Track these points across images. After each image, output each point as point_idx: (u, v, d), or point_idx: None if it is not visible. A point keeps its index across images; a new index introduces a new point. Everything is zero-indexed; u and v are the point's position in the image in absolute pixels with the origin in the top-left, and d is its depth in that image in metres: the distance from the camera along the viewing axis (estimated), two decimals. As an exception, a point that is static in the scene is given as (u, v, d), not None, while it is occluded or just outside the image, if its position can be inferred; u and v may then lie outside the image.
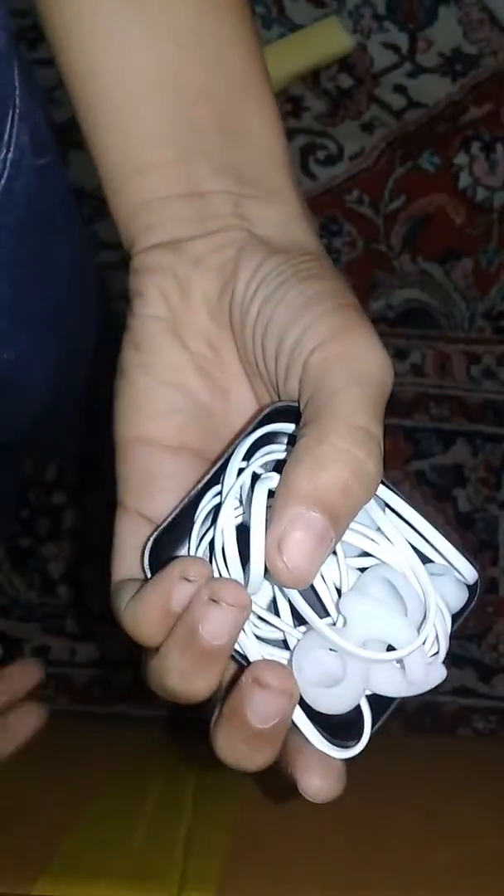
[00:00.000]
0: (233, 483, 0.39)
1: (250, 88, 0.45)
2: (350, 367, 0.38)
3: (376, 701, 0.41)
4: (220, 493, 0.40)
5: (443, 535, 0.41)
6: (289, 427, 0.40)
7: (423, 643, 0.39)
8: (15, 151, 0.47)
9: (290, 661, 0.39)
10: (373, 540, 0.40)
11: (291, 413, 0.40)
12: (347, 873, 0.71)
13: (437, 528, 0.41)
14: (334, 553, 0.39)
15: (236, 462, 0.40)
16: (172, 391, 0.43)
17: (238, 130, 0.44)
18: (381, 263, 1.38)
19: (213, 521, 0.40)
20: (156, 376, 0.43)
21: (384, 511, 0.41)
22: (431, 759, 1.05)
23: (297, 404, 0.39)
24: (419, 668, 0.39)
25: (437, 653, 0.40)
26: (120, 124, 0.43)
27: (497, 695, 1.25)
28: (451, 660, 1.26)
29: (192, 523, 0.41)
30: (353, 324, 0.40)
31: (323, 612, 0.39)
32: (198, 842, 0.73)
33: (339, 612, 0.39)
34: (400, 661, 0.39)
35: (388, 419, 1.32)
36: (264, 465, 0.40)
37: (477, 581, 0.41)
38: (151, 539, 0.41)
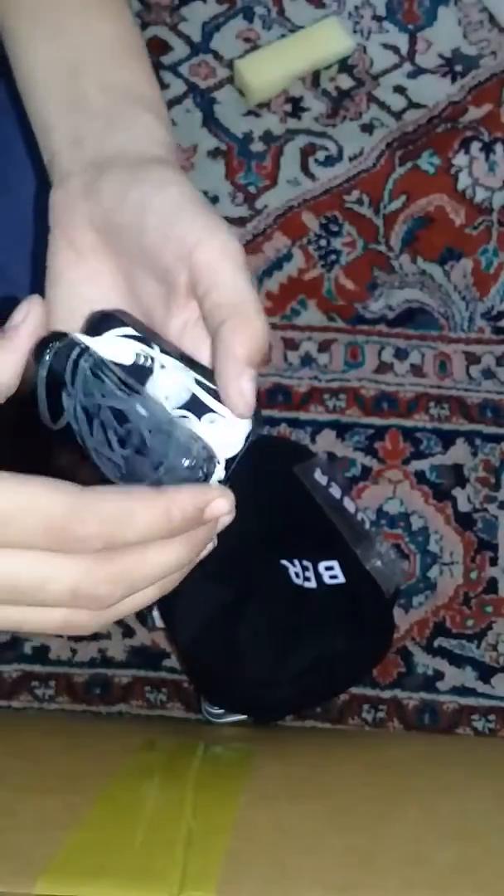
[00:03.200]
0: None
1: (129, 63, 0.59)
2: (232, 258, 0.48)
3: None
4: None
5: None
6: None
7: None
8: None
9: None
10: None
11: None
12: (347, 873, 0.71)
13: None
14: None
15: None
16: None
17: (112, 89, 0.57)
18: (380, 263, 1.39)
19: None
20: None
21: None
22: (431, 758, 1.05)
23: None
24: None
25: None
26: (36, 106, 0.57)
27: (497, 694, 1.25)
28: (451, 659, 1.26)
29: None
30: (217, 221, 0.49)
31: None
32: (198, 841, 0.73)
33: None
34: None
35: (388, 419, 1.31)
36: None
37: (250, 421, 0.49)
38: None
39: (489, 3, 1.49)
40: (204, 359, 0.50)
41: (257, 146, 1.43)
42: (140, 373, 0.49)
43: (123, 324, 0.50)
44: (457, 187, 1.42)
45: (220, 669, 1.08)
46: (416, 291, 1.38)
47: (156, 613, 1.15)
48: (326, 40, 1.45)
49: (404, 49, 1.48)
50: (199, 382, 0.48)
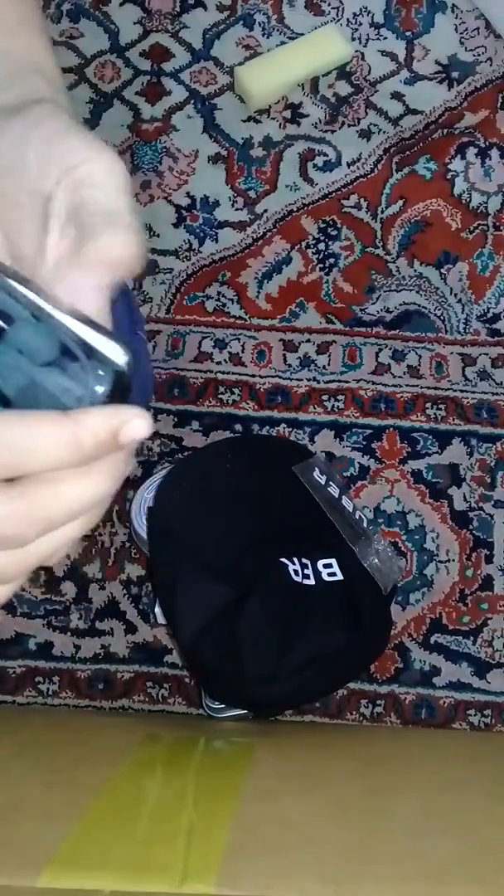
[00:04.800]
0: None
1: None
2: (115, 176, 0.47)
3: None
4: None
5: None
6: None
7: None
8: None
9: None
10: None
11: None
12: (346, 865, 0.72)
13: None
14: None
15: None
16: None
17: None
18: (378, 267, 1.40)
19: None
20: None
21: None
22: (428, 752, 1.06)
23: None
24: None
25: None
26: None
27: (492, 689, 1.26)
28: (447, 655, 1.27)
29: None
30: (101, 143, 0.48)
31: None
32: (199, 834, 0.74)
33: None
34: None
35: (386, 419, 1.32)
36: None
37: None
38: None
39: (486, 11, 1.50)
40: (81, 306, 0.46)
41: (257, 151, 1.45)
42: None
43: None
44: (453, 192, 1.43)
45: (220, 665, 1.08)
46: (413, 294, 1.39)
47: (158, 610, 1.16)
48: (325, 47, 1.46)
49: (402, 56, 1.49)
50: (69, 335, 0.44)
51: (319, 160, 1.44)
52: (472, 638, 1.27)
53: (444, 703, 1.26)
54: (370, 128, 1.45)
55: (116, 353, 0.44)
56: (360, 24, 1.50)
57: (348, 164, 1.44)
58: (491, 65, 1.48)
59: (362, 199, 1.42)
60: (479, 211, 1.42)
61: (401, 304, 1.38)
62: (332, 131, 1.45)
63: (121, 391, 0.44)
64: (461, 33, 1.50)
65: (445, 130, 1.45)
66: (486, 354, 1.36)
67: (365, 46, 1.49)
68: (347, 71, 1.48)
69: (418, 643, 1.27)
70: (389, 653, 1.26)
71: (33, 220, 0.47)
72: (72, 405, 0.43)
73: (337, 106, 1.46)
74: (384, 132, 1.45)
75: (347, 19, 1.50)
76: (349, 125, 1.46)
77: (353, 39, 1.49)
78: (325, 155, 1.44)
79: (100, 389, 0.43)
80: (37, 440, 0.40)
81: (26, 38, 0.58)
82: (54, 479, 0.42)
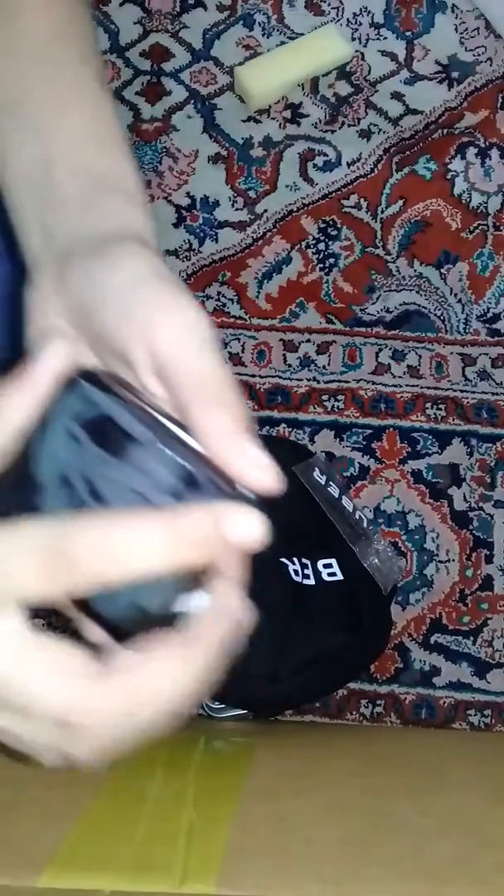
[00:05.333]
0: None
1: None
2: (197, 334, 0.44)
3: None
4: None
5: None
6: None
7: None
8: None
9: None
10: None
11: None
12: (346, 866, 0.71)
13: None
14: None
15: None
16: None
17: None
18: (378, 267, 1.40)
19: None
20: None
21: None
22: (428, 752, 1.06)
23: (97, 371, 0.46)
24: None
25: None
26: (13, 204, 0.54)
27: (492, 689, 1.26)
28: (447, 655, 1.28)
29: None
30: (178, 296, 0.46)
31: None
32: (199, 834, 0.73)
33: None
34: None
35: (386, 419, 1.33)
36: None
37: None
38: None
39: (486, 11, 1.50)
40: None
41: (257, 151, 1.45)
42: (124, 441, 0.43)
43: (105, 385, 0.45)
44: (453, 192, 1.43)
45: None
46: (413, 294, 1.39)
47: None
48: (325, 47, 1.46)
49: (402, 56, 1.49)
50: (193, 463, 0.43)
51: (319, 160, 1.44)
52: (472, 638, 1.28)
53: (444, 703, 1.26)
54: (370, 128, 1.45)
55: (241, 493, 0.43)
56: (360, 24, 1.50)
57: (348, 164, 1.44)
58: (491, 65, 1.48)
59: (362, 199, 1.42)
60: (479, 211, 1.42)
61: (401, 304, 1.38)
62: (332, 131, 1.45)
63: None
64: (461, 33, 1.50)
65: (445, 130, 1.45)
66: (486, 354, 1.36)
67: (365, 46, 1.49)
68: (347, 71, 1.48)
69: (418, 643, 1.27)
70: (389, 653, 1.26)
71: (123, 365, 0.47)
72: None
73: (337, 106, 1.46)
74: (384, 132, 1.45)
75: (347, 19, 1.50)
76: (349, 125, 1.46)
77: (353, 39, 1.49)
78: (325, 155, 1.44)
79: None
80: (133, 530, 0.39)
81: (108, 155, 0.55)
82: (146, 658, 0.41)
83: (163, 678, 0.42)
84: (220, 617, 0.43)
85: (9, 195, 0.54)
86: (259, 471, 0.42)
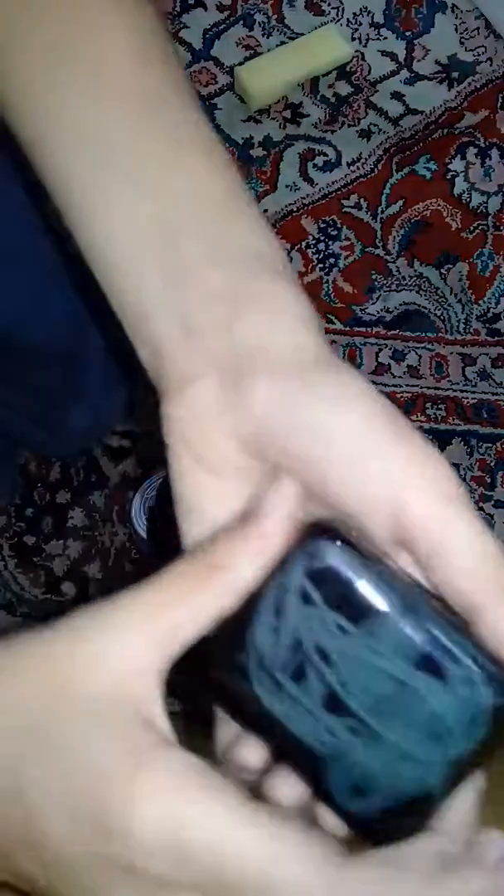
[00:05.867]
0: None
1: (235, 217, 0.44)
2: (457, 508, 0.38)
3: None
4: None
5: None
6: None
7: None
8: None
9: None
10: None
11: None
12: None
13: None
14: None
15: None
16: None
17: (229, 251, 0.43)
18: (378, 267, 1.40)
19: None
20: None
21: None
22: None
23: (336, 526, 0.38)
24: None
25: None
26: (118, 281, 0.43)
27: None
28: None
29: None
30: (421, 447, 0.38)
31: None
32: None
33: None
34: None
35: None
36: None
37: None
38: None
39: (486, 11, 1.50)
40: None
41: (257, 151, 1.45)
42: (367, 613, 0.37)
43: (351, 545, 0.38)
44: (453, 192, 1.43)
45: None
46: (413, 294, 1.39)
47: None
48: (325, 47, 1.46)
49: (402, 56, 1.49)
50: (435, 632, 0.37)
51: (319, 160, 1.44)
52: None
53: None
54: (370, 128, 1.46)
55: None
56: (360, 23, 1.50)
57: (348, 164, 1.44)
58: (491, 65, 1.48)
59: (362, 199, 1.43)
60: (479, 211, 1.42)
61: (401, 304, 1.38)
62: (332, 131, 1.45)
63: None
64: (461, 33, 1.50)
65: (445, 130, 1.45)
66: (486, 354, 1.36)
67: (365, 46, 1.49)
68: (347, 71, 1.48)
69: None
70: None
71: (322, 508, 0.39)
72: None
73: (337, 106, 1.47)
74: (384, 132, 1.45)
75: (347, 19, 1.51)
76: (349, 125, 1.46)
77: (353, 39, 1.49)
78: (325, 155, 1.44)
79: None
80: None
81: (244, 225, 0.43)
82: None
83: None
84: None
85: (108, 267, 0.43)
86: None
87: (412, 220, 1.42)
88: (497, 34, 1.50)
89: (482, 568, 0.37)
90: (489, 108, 1.47)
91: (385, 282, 1.39)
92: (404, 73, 1.49)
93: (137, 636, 0.36)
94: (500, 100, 1.47)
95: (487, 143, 1.45)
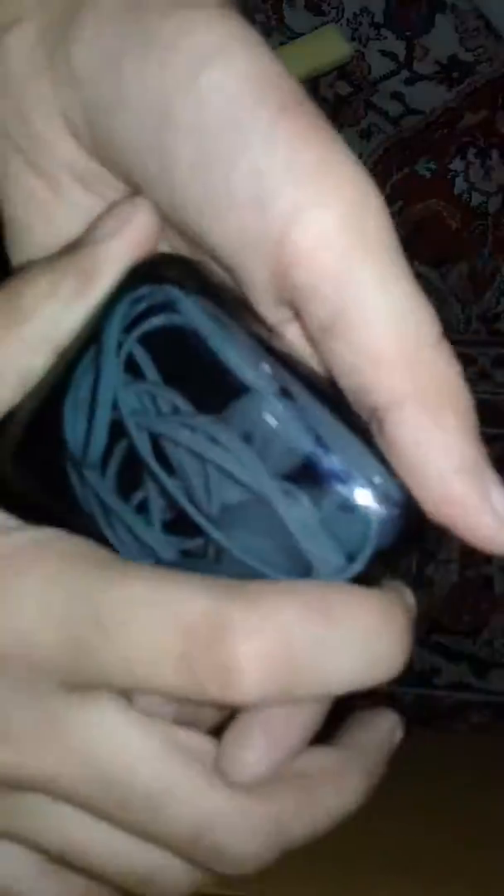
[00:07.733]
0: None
1: None
2: (366, 242, 0.26)
3: None
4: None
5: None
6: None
7: None
8: None
9: None
10: None
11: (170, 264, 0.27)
12: (342, 867, 0.72)
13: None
14: None
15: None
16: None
17: None
18: (378, 267, 1.39)
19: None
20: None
21: None
22: (428, 752, 1.06)
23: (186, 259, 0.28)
24: None
25: None
26: None
27: (492, 689, 1.26)
28: (447, 655, 1.27)
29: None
30: (330, 147, 0.26)
31: None
32: None
33: None
34: None
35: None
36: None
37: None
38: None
39: (486, 11, 1.50)
40: None
41: (257, 151, 1.44)
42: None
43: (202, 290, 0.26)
44: (453, 192, 1.43)
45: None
46: (413, 294, 1.38)
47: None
48: (325, 47, 1.46)
49: (402, 56, 1.49)
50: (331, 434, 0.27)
51: (319, 160, 1.43)
52: (471, 638, 1.27)
53: (445, 703, 1.26)
54: (370, 128, 1.45)
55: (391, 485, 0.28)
56: (360, 23, 1.50)
57: (348, 164, 1.43)
58: (491, 65, 1.48)
59: (362, 199, 1.42)
60: (479, 211, 1.42)
61: (401, 304, 1.38)
62: (332, 131, 1.45)
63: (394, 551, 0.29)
64: (461, 33, 1.50)
65: (445, 130, 1.45)
66: (486, 354, 1.36)
67: (365, 46, 1.49)
68: (347, 71, 1.48)
69: (418, 643, 1.27)
70: (389, 653, 1.26)
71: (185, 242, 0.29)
72: (311, 554, 0.27)
73: (337, 106, 1.46)
74: (384, 132, 1.45)
75: (347, 19, 1.50)
76: (349, 125, 1.46)
77: (353, 39, 1.49)
78: (325, 155, 1.44)
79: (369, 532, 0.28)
80: (333, 611, 0.26)
81: None
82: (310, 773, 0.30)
83: (328, 790, 0.30)
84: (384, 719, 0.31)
85: None
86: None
87: (412, 221, 1.42)
88: (497, 34, 1.49)
89: (403, 347, 0.26)
90: (489, 108, 1.46)
91: (385, 282, 1.39)
92: (404, 73, 1.48)
93: None
94: (501, 100, 1.47)
95: (487, 143, 1.45)
